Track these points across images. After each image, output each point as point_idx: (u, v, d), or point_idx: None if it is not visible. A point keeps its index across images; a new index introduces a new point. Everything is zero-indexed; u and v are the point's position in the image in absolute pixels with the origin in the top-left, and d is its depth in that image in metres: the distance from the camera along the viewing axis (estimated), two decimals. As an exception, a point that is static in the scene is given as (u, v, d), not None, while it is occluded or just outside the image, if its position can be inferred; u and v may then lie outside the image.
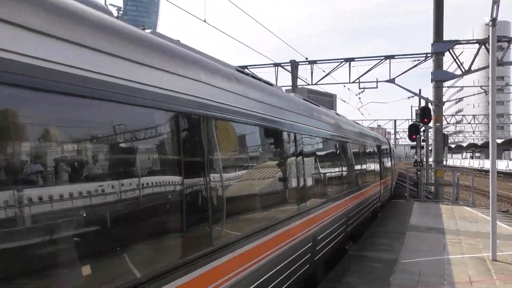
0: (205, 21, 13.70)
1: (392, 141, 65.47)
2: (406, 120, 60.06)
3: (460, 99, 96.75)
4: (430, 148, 27.57)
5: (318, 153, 8.54)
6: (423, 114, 22.68)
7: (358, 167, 12.88)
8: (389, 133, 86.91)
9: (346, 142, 11.09)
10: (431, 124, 22.79)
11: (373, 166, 16.23)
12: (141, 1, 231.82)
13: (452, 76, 23.13)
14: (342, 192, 10.21)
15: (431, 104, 22.83)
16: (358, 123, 17.08)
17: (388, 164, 21.78)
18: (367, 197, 14.16)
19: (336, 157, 10.15)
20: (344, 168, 10.74)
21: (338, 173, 10.12)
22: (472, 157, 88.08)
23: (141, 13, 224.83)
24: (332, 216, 8.96)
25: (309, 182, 7.58)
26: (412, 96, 32.21)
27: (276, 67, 25.63)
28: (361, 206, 12.90)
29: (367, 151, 15.02)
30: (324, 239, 8.38)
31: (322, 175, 8.81)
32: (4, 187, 2.23)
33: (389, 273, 8.40)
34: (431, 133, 25.77)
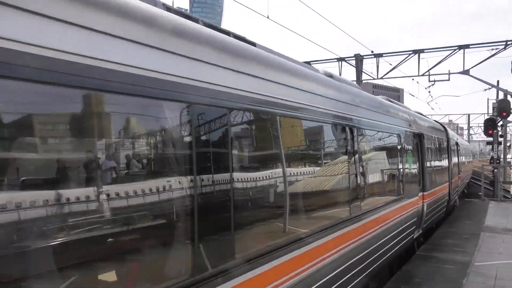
0: (268, 17, 13.79)
1: (465, 137, 61.73)
2: (482, 114, 56.25)
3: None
4: (508, 144, 25.65)
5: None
6: (502, 107, 21.31)
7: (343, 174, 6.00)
8: (462, 128, 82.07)
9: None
10: (510, 118, 21.25)
11: (405, 170, 9.20)
12: (206, 2, 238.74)
13: (536, 64, 21.21)
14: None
15: (511, 97, 21.21)
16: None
17: (442, 164, 14.38)
18: (375, 237, 6.97)
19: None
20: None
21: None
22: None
23: (206, 14, 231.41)
24: None
25: None
26: (489, 88, 30.07)
27: (340, 62, 25.09)
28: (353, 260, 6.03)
29: (386, 142, 8.34)
30: None
31: None
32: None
33: (462, 276, 7.96)
34: (510, 128, 23.95)
